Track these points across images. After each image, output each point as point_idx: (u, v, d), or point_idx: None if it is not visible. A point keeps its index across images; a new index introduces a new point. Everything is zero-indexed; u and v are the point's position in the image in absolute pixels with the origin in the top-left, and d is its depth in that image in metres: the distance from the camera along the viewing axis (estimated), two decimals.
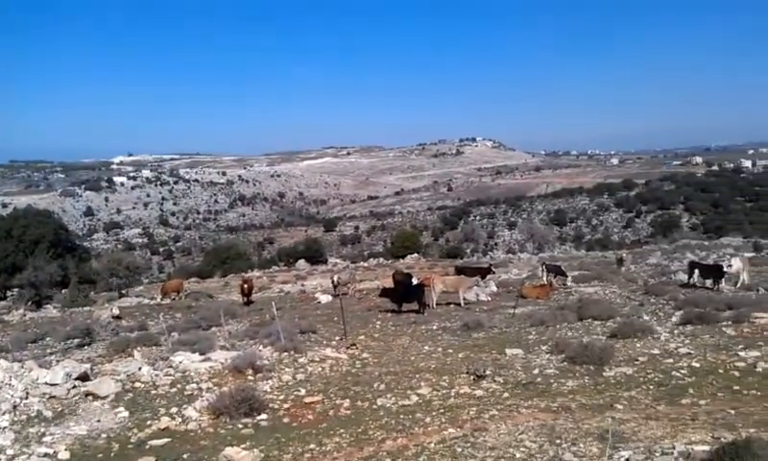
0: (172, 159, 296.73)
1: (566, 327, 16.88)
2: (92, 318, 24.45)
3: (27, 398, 11.50)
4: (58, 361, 15.11)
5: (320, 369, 13.75)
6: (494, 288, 26.18)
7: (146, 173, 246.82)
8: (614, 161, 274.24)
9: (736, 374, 11.16)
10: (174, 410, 10.94)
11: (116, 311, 25.18)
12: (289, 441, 9.36)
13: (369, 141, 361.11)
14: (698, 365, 11.84)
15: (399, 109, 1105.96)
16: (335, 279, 29.49)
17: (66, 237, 46.92)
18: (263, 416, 10.53)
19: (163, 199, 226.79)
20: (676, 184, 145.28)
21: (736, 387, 10.38)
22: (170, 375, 13.26)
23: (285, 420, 10.43)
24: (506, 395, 10.88)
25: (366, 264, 52.15)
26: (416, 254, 55.56)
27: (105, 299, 34.34)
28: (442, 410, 10.25)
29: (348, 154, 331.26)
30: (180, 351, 15.39)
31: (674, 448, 7.51)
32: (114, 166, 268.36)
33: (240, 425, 10.16)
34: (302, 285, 36.01)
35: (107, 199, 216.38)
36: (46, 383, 12.16)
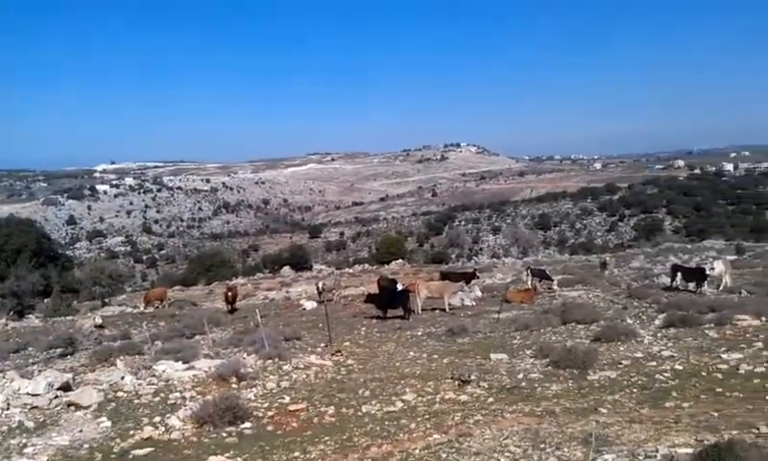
0: (155, 167, 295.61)
1: (550, 332, 16.91)
2: (75, 327, 24.22)
3: (8, 408, 11.39)
4: (40, 371, 14.96)
5: (304, 376, 13.71)
6: (479, 293, 26.21)
7: (129, 181, 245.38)
8: (597, 166, 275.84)
9: (719, 376, 11.23)
10: (157, 419, 10.87)
11: (99, 320, 24.95)
12: (273, 449, 9.32)
13: (353, 147, 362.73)
14: (681, 368, 11.91)
15: (384, 115, 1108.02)
16: (320, 285, 29.39)
17: (49, 246, 46.45)
18: (247, 424, 10.49)
19: (146, 207, 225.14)
20: (658, 188, 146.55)
21: (719, 389, 10.45)
22: (153, 384, 13.18)
23: (269, 428, 10.39)
24: (491, 400, 10.90)
25: (351, 270, 52.04)
26: (401, 260, 55.53)
27: (87, 308, 34.04)
28: (427, 416, 10.25)
29: (333, 160, 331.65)
30: (163, 359, 15.28)
31: (657, 451, 7.54)
32: (97, 174, 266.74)
33: (224, 434, 10.11)
34: (287, 292, 35.88)
35: (89, 207, 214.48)
36: (28, 393, 12.05)
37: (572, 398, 10.68)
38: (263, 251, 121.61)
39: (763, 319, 15.59)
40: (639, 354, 13.26)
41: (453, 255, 76.32)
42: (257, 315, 18.97)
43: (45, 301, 35.27)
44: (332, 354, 15.74)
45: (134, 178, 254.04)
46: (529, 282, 27.82)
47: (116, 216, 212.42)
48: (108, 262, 61.03)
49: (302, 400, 11.68)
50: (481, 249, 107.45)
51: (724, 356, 12.33)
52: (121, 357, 16.87)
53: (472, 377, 12.14)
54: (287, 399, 11.90)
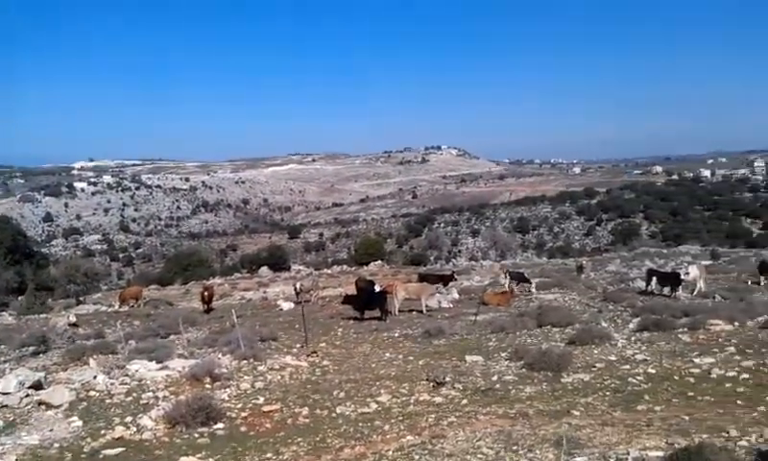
0: (134, 165, 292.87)
1: (526, 334, 16.98)
2: (48, 325, 23.87)
3: None
4: (11, 369, 14.75)
5: (279, 377, 13.64)
6: (456, 295, 26.27)
7: (107, 179, 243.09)
8: (576, 170, 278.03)
9: (691, 380, 11.34)
10: (129, 419, 10.76)
11: (73, 319, 24.65)
12: (246, 450, 9.26)
13: (334, 148, 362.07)
14: (654, 371, 12.01)
15: (365, 116, 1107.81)
16: (298, 286, 29.30)
17: (24, 243, 45.94)
18: (220, 425, 10.41)
19: (124, 205, 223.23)
20: (636, 193, 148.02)
21: (691, 393, 10.55)
22: (126, 383, 13.08)
23: (242, 428, 10.32)
24: (465, 401, 10.91)
25: (329, 271, 51.95)
26: (379, 262, 55.50)
27: (62, 306, 33.60)
28: (401, 417, 10.24)
29: (314, 160, 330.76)
30: (136, 359, 15.16)
31: (628, 453, 7.60)
32: (75, 172, 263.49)
33: (196, 435, 10.02)
34: (264, 292, 35.71)
35: (66, 205, 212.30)
36: None
37: (546, 400, 10.72)
38: (241, 251, 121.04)
39: (736, 324, 15.80)
40: (613, 358, 13.36)
41: (432, 258, 76.48)
42: (233, 315, 18.91)
43: (19, 298, 34.82)
44: (308, 355, 15.69)
45: (112, 175, 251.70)
46: (507, 285, 27.95)
47: (93, 214, 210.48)
48: (83, 260, 60.47)
49: (277, 401, 11.62)
50: (460, 251, 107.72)
51: (696, 361, 12.46)
52: (94, 356, 16.66)
53: (447, 379, 12.16)
54: (261, 399, 11.83)
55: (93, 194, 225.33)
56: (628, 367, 12.51)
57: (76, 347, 18.14)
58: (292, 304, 26.81)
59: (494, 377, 12.39)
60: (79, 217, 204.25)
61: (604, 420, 9.40)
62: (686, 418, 9.19)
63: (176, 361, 14.80)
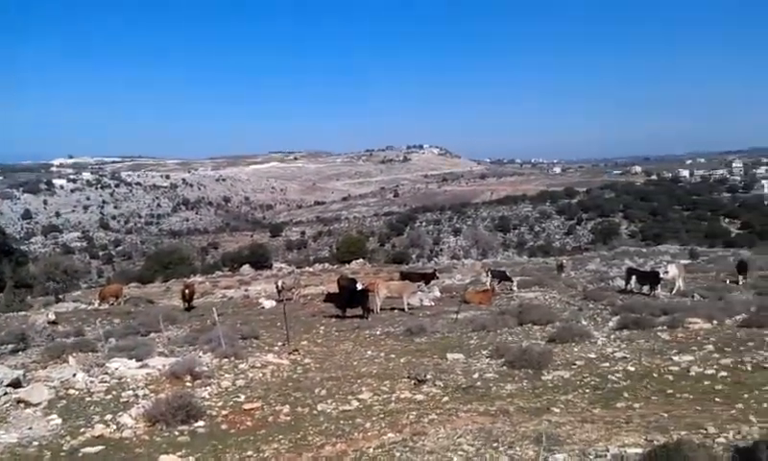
0: (114, 162, 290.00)
1: (507, 332, 17.06)
2: (27, 323, 23.61)
3: None
4: None
5: (260, 375, 13.60)
6: (438, 293, 26.35)
7: (86, 175, 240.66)
8: (557, 170, 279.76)
9: (670, 377, 11.44)
10: (108, 417, 10.66)
11: (52, 316, 24.44)
12: (226, 448, 9.22)
13: (316, 147, 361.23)
14: (633, 369, 12.10)
15: (347, 115, 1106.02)
16: (279, 284, 29.23)
17: (3, 240, 45.31)
18: (200, 423, 10.35)
19: (104, 202, 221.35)
20: (616, 193, 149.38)
21: (670, 391, 10.64)
22: (105, 381, 12.96)
23: (223, 426, 10.27)
24: (446, 399, 10.95)
25: (311, 269, 51.90)
26: (361, 260, 55.58)
27: (41, 303, 33.28)
28: (382, 415, 10.25)
29: (296, 159, 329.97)
30: (116, 357, 15.06)
31: (608, 450, 7.64)
32: (54, 168, 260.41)
33: (176, 433, 9.96)
34: (246, 290, 35.60)
35: (45, 202, 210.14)
36: None
37: (526, 397, 10.78)
38: (223, 248, 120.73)
39: (714, 322, 15.98)
40: (593, 355, 13.47)
41: (414, 256, 76.52)
42: (214, 313, 18.84)
43: None
44: (289, 353, 15.66)
45: (92, 173, 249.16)
46: (488, 283, 28.07)
47: (73, 211, 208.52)
48: (63, 258, 59.77)
49: (258, 399, 11.58)
50: (441, 250, 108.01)
51: (675, 358, 12.57)
52: (74, 354, 16.53)
53: (428, 377, 12.19)
54: (242, 397, 11.79)
55: (72, 191, 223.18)
56: (607, 365, 12.60)
57: (55, 345, 18.02)
58: (274, 302, 26.76)
59: (475, 375, 12.44)
60: (58, 214, 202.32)
61: (583, 417, 9.46)
62: (665, 415, 9.25)
63: (156, 359, 14.72)
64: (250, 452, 8.95)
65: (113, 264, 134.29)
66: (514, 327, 17.70)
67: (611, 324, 17.17)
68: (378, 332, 18.45)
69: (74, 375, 13.34)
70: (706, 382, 10.98)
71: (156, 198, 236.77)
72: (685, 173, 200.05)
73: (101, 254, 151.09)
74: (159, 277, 51.03)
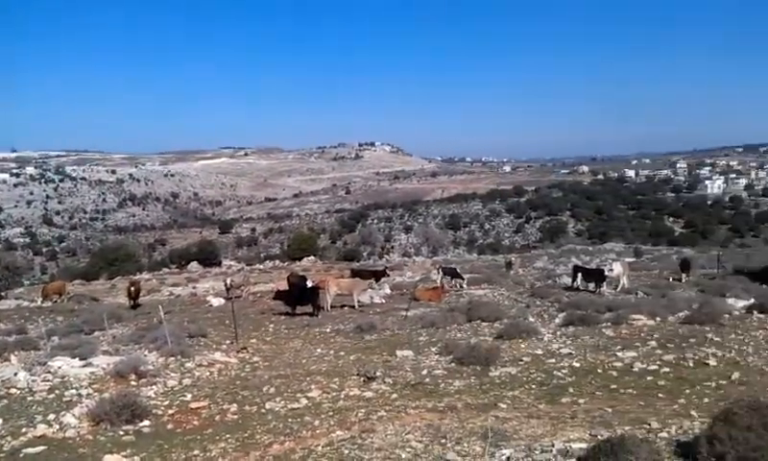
0: (58, 156, 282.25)
1: (456, 329, 17.21)
2: None
3: None
4: None
5: (208, 373, 13.42)
6: (388, 291, 26.43)
7: (30, 170, 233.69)
8: (507, 169, 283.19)
9: (614, 373, 11.67)
10: (51, 417, 10.37)
11: None
12: (172, 447, 9.06)
13: (267, 142, 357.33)
14: (578, 365, 12.33)
15: (299, 111, 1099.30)
16: (228, 281, 28.91)
17: None
18: (146, 422, 10.15)
19: (48, 197, 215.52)
20: (563, 192, 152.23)
21: (614, 386, 10.85)
22: (48, 380, 12.64)
23: (169, 426, 10.10)
24: (395, 396, 10.97)
25: (262, 266, 51.54)
26: (313, 257, 55.41)
27: None
28: (331, 413, 10.21)
29: (246, 154, 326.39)
30: (59, 355, 14.64)
31: (553, 445, 7.72)
32: None
33: (121, 432, 9.74)
34: (194, 288, 35.13)
35: None
36: None
37: (474, 394, 10.87)
38: (170, 245, 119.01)
39: (657, 319, 16.38)
40: (539, 352, 13.67)
41: (365, 253, 76.70)
42: (161, 311, 18.47)
43: None
44: (238, 352, 15.49)
45: (36, 167, 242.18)
46: (439, 281, 28.25)
47: (15, 206, 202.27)
48: (5, 254, 57.85)
49: (204, 398, 11.42)
50: (393, 247, 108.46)
51: (619, 354, 12.84)
52: (15, 353, 16.11)
53: (378, 374, 12.20)
54: (189, 396, 11.60)
55: (15, 185, 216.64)
56: (553, 361, 12.81)
57: None
58: (222, 300, 26.45)
59: (424, 372, 12.49)
60: (0, 209, 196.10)
61: (530, 412, 9.58)
62: (609, 410, 9.42)
63: (100, 358, 14.41)
64: (196, 452, 8.82)
65: (57, 261, 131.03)
66: (463, 323, 17.83)
67: (557, 320, 17.45)
68: (328, 330, 18.40)
69: (15, 374, 13.00)
70: (649, 378, 11.24)
71: (102, 193, 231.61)
72: (631, 173, 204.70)
73: (44, 250, 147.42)
74: (105, 274, 50.00)
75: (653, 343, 13.69)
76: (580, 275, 24.95)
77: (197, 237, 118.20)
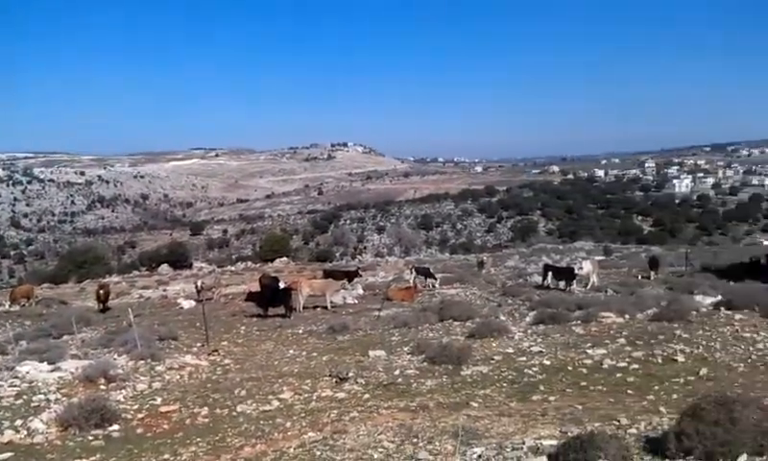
0: (26, 158, 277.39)
1: (428, 329, 17.26)
2: None
3: None
4: None
5: (178, 377, 13.30)
6: (361, 291, 26.44)
7: None
8: (478, 169, 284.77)
9: (584, 371, 11.79)
10: (19, 423, 10.21)
11: None
12: (142, 452, 8.97)
13: (238, 143, 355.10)
14: (549, 363, 12.43)
15: (271, 111, 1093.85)
16: (199, 283, 28.69)
17: None
18: (115, 426, 10.04)
19: (15, 199, 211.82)
20: (534, 192, 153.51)
21: (584, 383, 10.96)
22: (15, 385, 12.44)
23: (139, 430, 9.99)
24: (367, 396, 10.97)
25: (233, 268, 51.30)
26: (285, 258, 55.31)
27: None
28: (303, 414, 10.18)
29: (217, 155, 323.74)
30: (27, 360, 14.43)
31: (524, 443, 7.77)
32: None
33: (90, 437, 9.63)
34: (164, 291, 34.83)
35: None
36: None
37: (446, 393, 10.91)
38: (140, 248, 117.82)
39: (627, 316, 16.54)
40: (511, 350, 13.75)
41: (338, 254, 76.68)
42: (130, 314, 18.25)
43: None
44: (209, 354, 15.38)
45: (3, 169, 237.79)
46: (412, 281, 28.32)
47: None
48: None
49: (175, 402, 11.32)
50: (365, 248, 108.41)
51: (589, 352, 12.96)
52: None
53: (350, 375, 12.19)
54: (159, 400, 11.49)
55: None
56: (524, 359, 12.90)
57: None
58: (193, 303, 26.24)
59: (397, 372, 12.51)
60: None
61: (501, 410, 9.64)
62: (579, 407, 9.51)
63: (69, 362, 14.22)
64: (166, 456, 8.74)
65: (25, 264, 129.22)
66: (435, 323, 17.90)
67: (528, 319, 17.57)
68: (301, 331, 18.35)
69: None
70: (618, 375, 11.37)
71: (71, 195, 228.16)
72: (600, 173, 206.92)
73: (12, 253, 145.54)
74: (73, 277, 49.49)
75: (622, 340, 13.83)
76: (550, 273, 25.17)
77: (167, 239, 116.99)
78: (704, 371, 11.14)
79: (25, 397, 11.74)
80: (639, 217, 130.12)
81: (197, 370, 13.91)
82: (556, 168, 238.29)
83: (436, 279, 27.85)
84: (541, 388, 10.83)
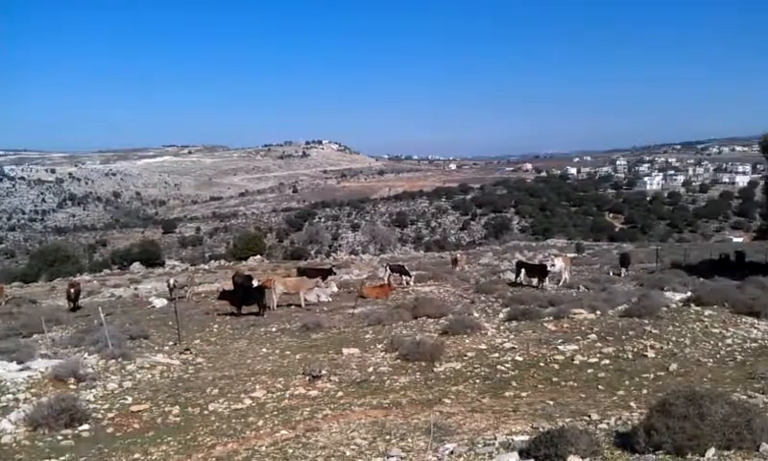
0: None
1: (402, 326, 17.25)
2: None
3: None
4: None
5: (149, 376, 13.15)
6: (335, 289, 26.36)
7: None
8: (453, 167, 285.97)
9: (556, 366, 11.90)
10: None
11: None
12: (112, 451, 8.87)
13: (212, 141, 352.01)
14: (521, 359, 12.52)
15: (245, 108, 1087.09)
16: (171, 281, 28.40)
17: None
18: (85, 426, 9.91)
19: None
20: (508, 189, 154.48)
21: (556, 379, 11.07)
22: None
23: (109, 430, 9.88)
24: (340, 394, 10.96)
25: (207, 266, 50.91)
26: (259, 256, 55.01)
27: None
28: (275, 412, 10.14)
29: (190, 153, 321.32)
30: None
31: (495, 438, 7.81)
32: None
33: (60, 437, 9.49)
34: (136, 289, 34.45)
35: None
36: None
37: (419, 389, 10.94)
38: (112, 246, 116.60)
39: (598, 313, 16.69)
40: (483, 346, 13.80)
41: (312, 252, 76.46)
42: (101, 313, 18.03)
43: None
44: (180, 353, 15.24)
45: None
46: (386, 278, 28.36)
47: None
48: None
49: (146, 401, 11.19)
50: (340, 245, 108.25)
51: (561, 348, 13.07)
52: None
53: (323, 372, 12.16)
54: (129, 399, 11.35)
55: None
56: (497, 355, 12.97)
57: None
58: (165, 301, 25.98)
59: (370, 369, 12.51)
60: None
61: (473, 407, 9.69)
62: (551, 403, 9.61)
63: (38, 361, 13.99)
64: (137, 455, 8.65)
65: None
66: (408, 320, 17.91)
67: (501, 315, 17.69)
68: (274, 329, 18.26)
69: None
70: (589, 370, 11.50)
71: (41, 193, 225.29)
72: (573, 171, 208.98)
73: None
74: (44, 275, 48.92)
75: (593, 336, 13.96)
76: (523, 270, 25.39)
77: (139, 237, 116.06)
78: (673, 366, 11.31)
79: None
80: (611, 214, 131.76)
81: (168, 369, 13.76)
82: (529, 166, 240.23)
83: (410, 276, 27.91)
84: (514, 384, 10.92)
